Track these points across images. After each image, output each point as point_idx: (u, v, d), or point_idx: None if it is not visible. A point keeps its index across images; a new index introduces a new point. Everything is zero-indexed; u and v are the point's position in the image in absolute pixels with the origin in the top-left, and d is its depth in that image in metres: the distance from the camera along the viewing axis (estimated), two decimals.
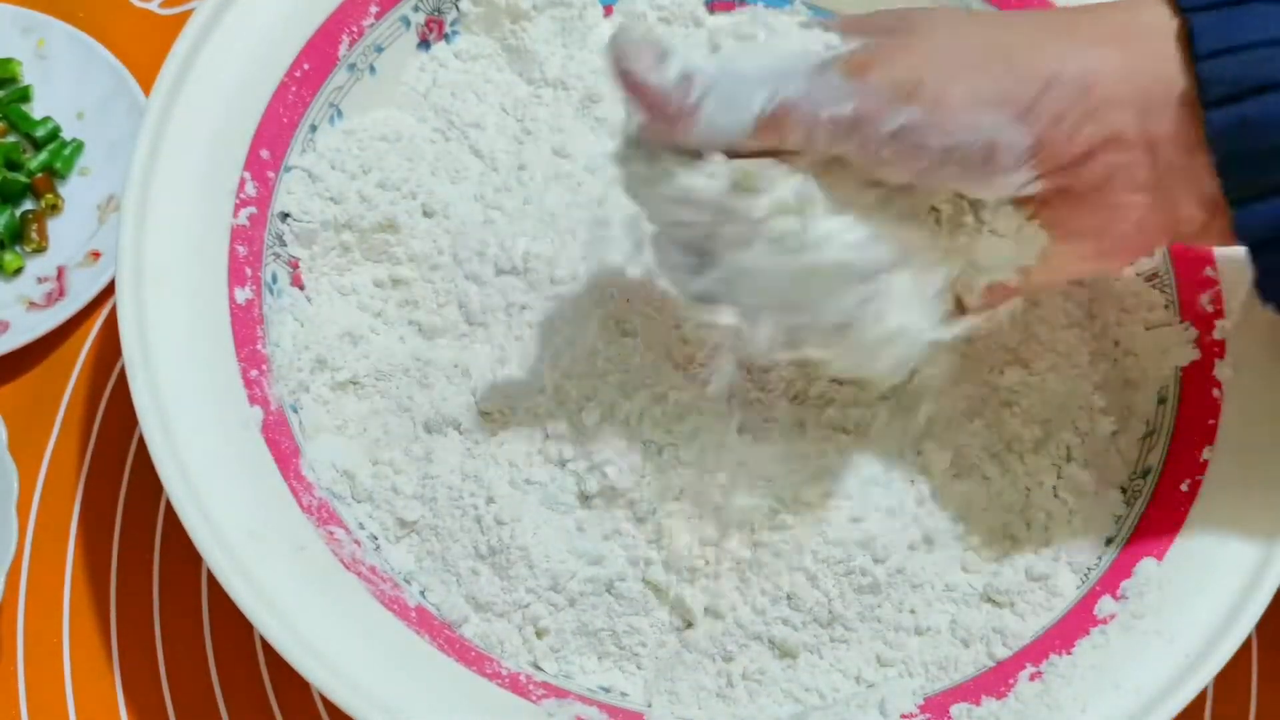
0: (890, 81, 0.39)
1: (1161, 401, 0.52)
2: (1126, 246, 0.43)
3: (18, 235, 0.62)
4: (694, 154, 0.40)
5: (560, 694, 0.47)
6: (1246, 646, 0.49)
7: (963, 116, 0.38)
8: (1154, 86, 0.39)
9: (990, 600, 0.49)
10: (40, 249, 0.62)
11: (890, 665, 0.49)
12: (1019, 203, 0.42)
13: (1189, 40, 0.38)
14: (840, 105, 0.38)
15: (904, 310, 0.42)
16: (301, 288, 0.54)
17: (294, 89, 0.54)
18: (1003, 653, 0.48)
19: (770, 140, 0.39)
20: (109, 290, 0.59)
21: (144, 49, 0.64)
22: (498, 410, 0.52)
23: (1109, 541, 0.50)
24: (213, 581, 0.52)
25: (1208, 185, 0.39)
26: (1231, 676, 0.50)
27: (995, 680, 0.47)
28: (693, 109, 0.39)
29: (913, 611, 0.49)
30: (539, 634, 0.49)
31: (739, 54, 0.41)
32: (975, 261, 0.44)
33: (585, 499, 0.50)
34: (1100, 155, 0.39)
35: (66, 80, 0.65)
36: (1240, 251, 0.52)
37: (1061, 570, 0.49)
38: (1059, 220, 0.42)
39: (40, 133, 0.63)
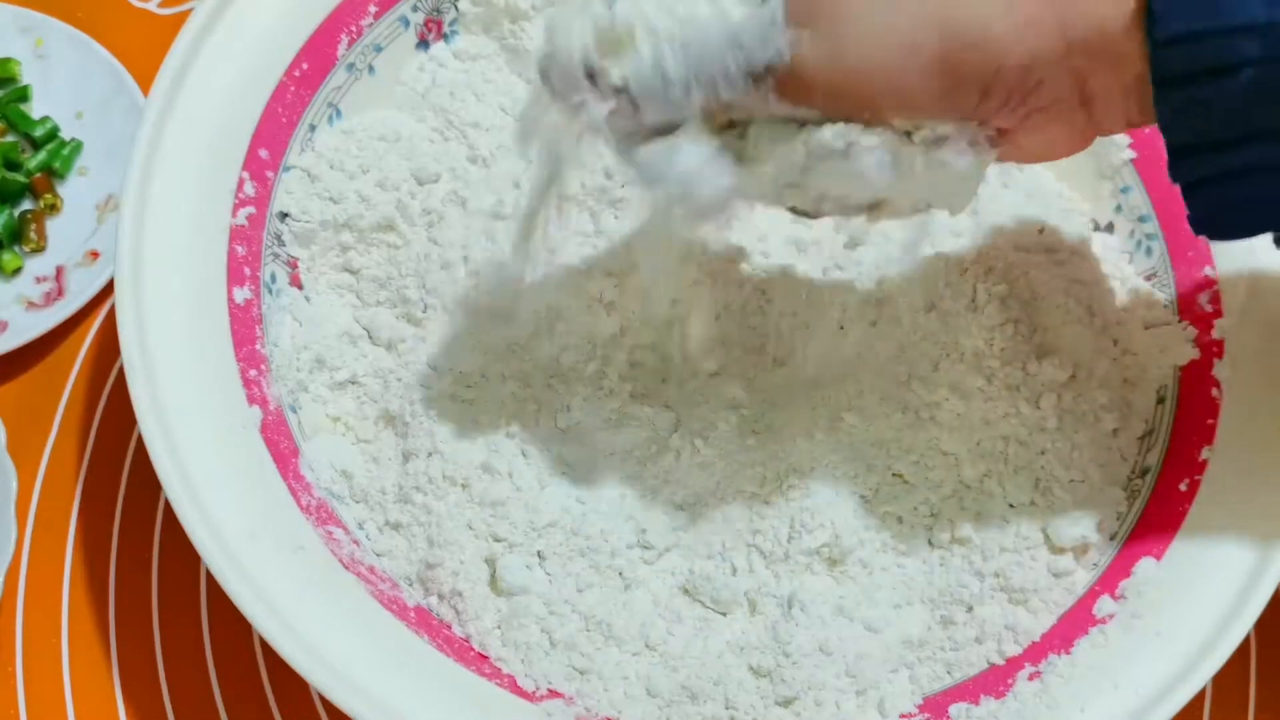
0: (825, 101, 0.38)
1: (1160, 401, 0.53)
2: (1050, 156, 0.43)
3: (16, 235, 0.62)
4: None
5: (560, 694, 0.47)
6: (1245, 646, 0.49)
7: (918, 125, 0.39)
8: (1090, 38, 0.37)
9: (1005, 594, 0.49)
10: (39, 249, 0.62)
11: (893, 668, 0.49)
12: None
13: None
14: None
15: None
16: (300, 287, 0.54)
17: (293, 89, 0.54)
18: (1013, 650, 0.48)
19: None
20: (108, 290, 0.59)
21: (143, 49, 0.64)
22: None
23: (1111, 538, 0.50)
24: (211, 581, 0.52)
25: (1137, 111, 0.39)
26: (1230, 676, 0.50)
27: (994, 680, 0.47)
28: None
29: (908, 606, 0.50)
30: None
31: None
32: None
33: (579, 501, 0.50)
34: (1044, 110, 0.39)
35: (65, 80, 0.65)
36: (1240, 253, 0.53)
37: (1074, 568, 0.49)
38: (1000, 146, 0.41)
39: (39, 132, 0.63)
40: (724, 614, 0.50)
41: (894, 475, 0.51)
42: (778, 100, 0.39)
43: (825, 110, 0.39)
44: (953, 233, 0.55)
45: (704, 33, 0.38)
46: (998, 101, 0.38)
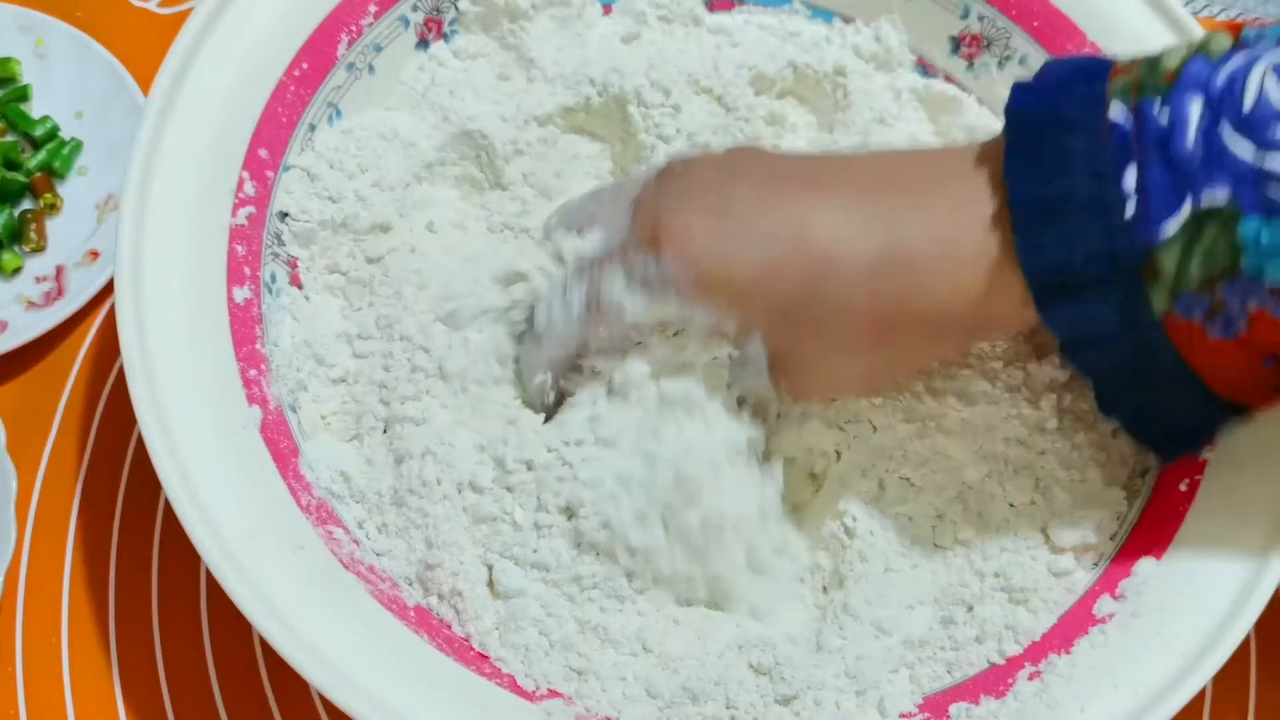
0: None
1: None
2: None
3: (16, 235, 0.62)
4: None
5: (560, 694, 0.47)
6: (1245, 646, 0.49)
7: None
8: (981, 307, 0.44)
9: (1005, 593, 0.49)
10: (39, 248, 0.62)
11: (893, 667, 0.49)
12: None
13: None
14: None
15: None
16: (300, 287, 0.54)
17: (293, 88, 0.54)
18: (1013, 649, 0.48)
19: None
20: (108, 290, 0.59)
21: (143, 48, 0.64)
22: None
23: (1111, 538, 0.50)
24: (211, 581, 0.52)
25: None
26: (1230, 676, 0.50)
27: (994, 680, 0.47)
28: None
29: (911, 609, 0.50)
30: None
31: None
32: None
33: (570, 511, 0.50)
34: None
35: (65, 79, 0.65)
36: None
37: (1074, 568, 0.49)
38: None
39: (39, 132, 0.63)
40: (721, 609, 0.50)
41: (901, 479, 0.51)
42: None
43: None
44: None
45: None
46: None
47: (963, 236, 0.42)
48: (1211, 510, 0.48)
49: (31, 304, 0.60)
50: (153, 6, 0.68)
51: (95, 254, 0.60)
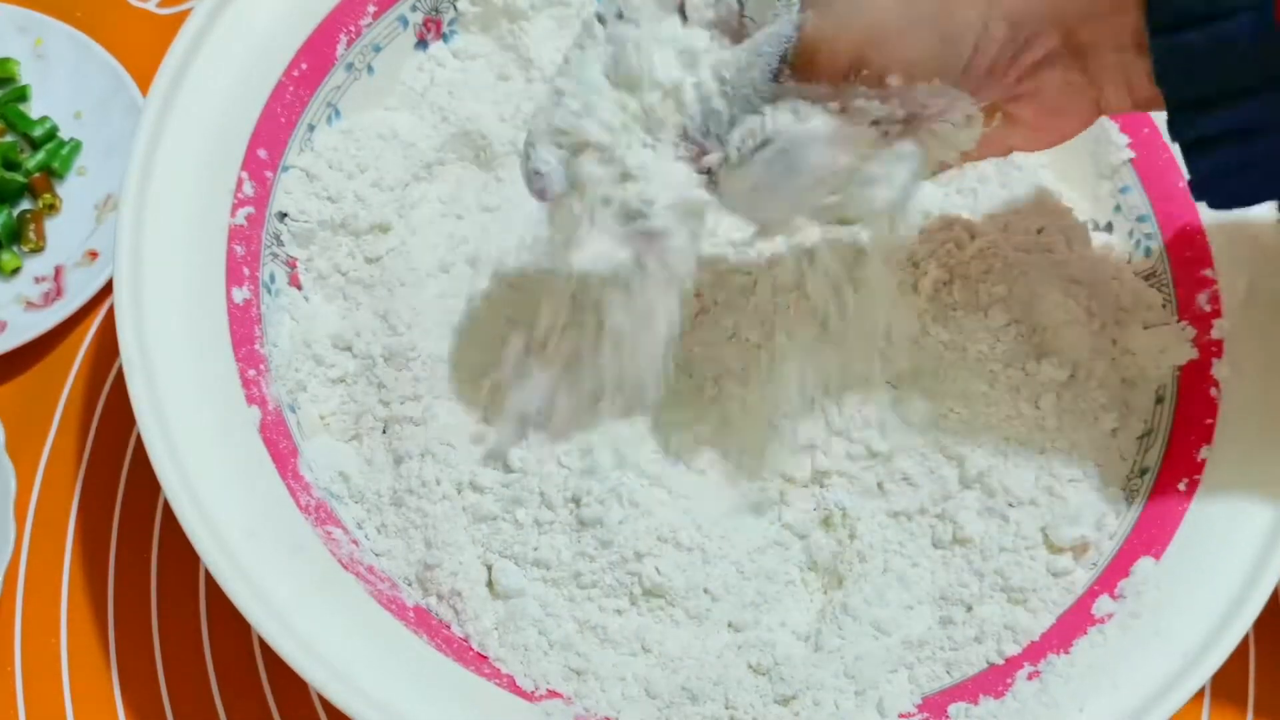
0: (833, 69, 0.39)
1: (1159, 401, 0.53)
2: (1059, 131, 0.44)
3: (15, 235, 0.62)
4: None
5: (559, 694, 0.47)
6: (1244, 645, 0.49)
7: (913, 91, 0.40)
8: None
9: (1004, 593, 0.49)
10: (38, 249, 0.62)
11: (892, 667, 0.49)
12: None
13: None
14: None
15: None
16: (299, 287, 0.54)
17: (292, 88, 0.54)
18: (1012, 649, 0.48)
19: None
20: (107, 290, 0.59)
21: (142, 48, 0.64)
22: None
23: (1110, 537, 0.50)
24: (210, 581, 0.52)
25: (1137, 74, 0.39)
26: (1229, 676, 0.50)
27: (993, 680, 0.47)
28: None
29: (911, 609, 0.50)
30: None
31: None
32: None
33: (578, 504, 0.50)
34: (1035, 73, 0.39)
35: (64, 80, 0.65)
36: (1239, 251, 0.53)
37: (1073, 568, 0.49)
38: (1000, 111, 0.42)
39: (38, 132, 0.63)
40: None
41: (901, 478, 0.51)
42: (795, 84, 0.40)
43: (831, 79, 0.40)
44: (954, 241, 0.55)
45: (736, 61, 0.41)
46: (989, 57, 0.39)
47: None
48: (1210, 510, 0.48)
49: (30, 304, 0.60)
50: (152, 7, 0.68)
51: (94, 254, 0.60)
